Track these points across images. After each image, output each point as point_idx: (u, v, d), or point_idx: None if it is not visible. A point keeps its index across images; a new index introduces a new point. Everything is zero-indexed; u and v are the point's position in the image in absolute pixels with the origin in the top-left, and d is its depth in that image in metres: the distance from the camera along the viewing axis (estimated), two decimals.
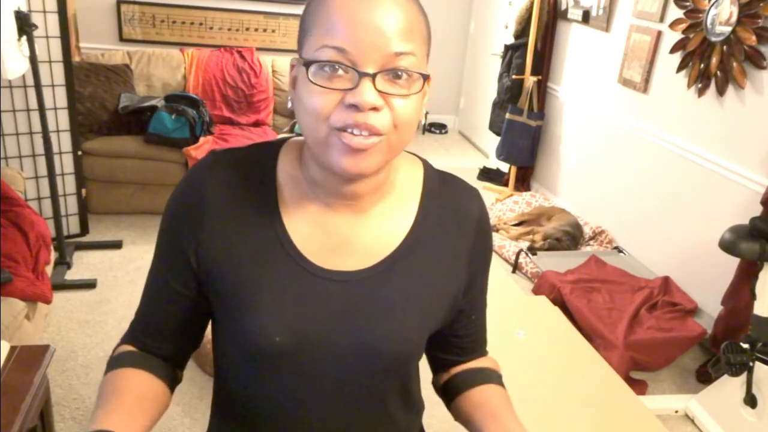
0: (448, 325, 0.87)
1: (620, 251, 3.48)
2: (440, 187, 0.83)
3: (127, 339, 0.85)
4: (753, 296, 2.18)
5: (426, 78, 0.69)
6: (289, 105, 0.73)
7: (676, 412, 2.46)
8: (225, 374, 0.85)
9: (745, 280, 2.41)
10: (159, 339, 0.83)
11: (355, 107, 0.64)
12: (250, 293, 0.74)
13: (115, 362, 0.80)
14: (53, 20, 2.97)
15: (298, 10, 4.54)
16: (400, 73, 0.66)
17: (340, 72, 0.65)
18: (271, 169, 0.77)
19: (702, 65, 2.91)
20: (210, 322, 0.86)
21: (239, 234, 0.75)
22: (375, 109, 0.65)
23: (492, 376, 0.91)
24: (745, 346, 2.10)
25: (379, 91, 0.65)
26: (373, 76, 0.65)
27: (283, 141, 0.81)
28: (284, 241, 0.75)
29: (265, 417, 0.82)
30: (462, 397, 0.89)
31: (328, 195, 0.75)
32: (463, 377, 0.91)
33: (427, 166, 0.85)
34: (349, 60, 0.64)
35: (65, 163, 3.23)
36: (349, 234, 0.77)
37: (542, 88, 4.35)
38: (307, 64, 0.66)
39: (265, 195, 0.76)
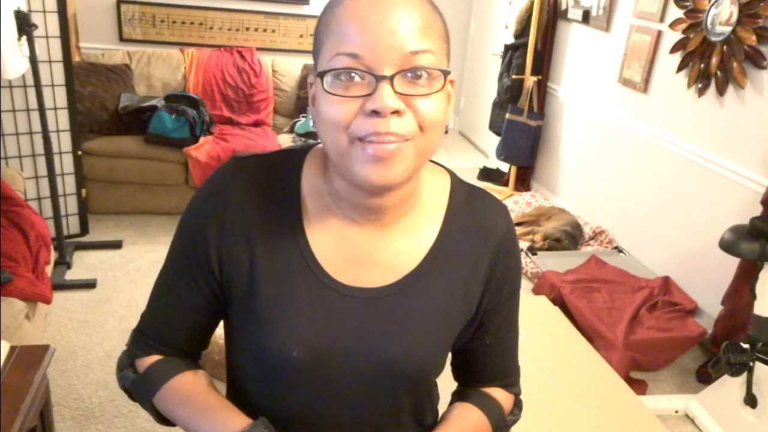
0: (467, 342, 0.84)
1: (620, 251, 3.48)
2: (466, 202, 0.80)
3: (144, 349, 0.82)
4: (753, 296, 2.17)
5: (446, 74, 0.65)
6: (311, 124, 0.71)
7: (676, 412, 2.46)
8: (239, 383, 0.84)
9: (745, 280, 2.41)
10: (178, 344, 0.82)
11: (376, 113, 0.61)
12: (269, 306, 0.73)
13: (162, 372, 0.78)
14: (53, 20, 2.96)
15: (298, 10, 4.54)
16: (419, 72, 0.63)
17: (357, 78, 0.62)
18: (296, 180, 0.75)
19: (702, 65, 2.91)
20: (224, 327, 0.86)
21: (261, 245, 0.74)
22: (397, 113, 0.62)
23: (488, 405, 0.85)
24: (745, 346, 2.10)
25: (399, 94, 0.62)
26: (391, 78, 0.62)
27: (308, 148, 0.78)
28: (306, 255, 0.74)
29: (282, 429, 0.81)
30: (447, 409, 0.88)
31: (352, 209, 0.73)
32: (462, 393, 0.89)
33: (455, 179, 0.82)
34: (365, 65, 0.62)
35: (65, 163, 3.23)
36: (372, 249, 0.75)
37: (542, 88, 4.35)
38: (322, 75, 0.64)
39: (288, 207, 0.74)
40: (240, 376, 0.83)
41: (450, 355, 0.90)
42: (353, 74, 0.62)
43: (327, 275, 0.74)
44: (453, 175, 0.82)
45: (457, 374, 0.92)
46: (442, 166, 0.83)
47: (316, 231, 0.74)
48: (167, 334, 0.81)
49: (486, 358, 0.87)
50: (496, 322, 0.85)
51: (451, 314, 0.79)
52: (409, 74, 0.63)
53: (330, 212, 0.74)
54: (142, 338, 0.83)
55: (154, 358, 0.81)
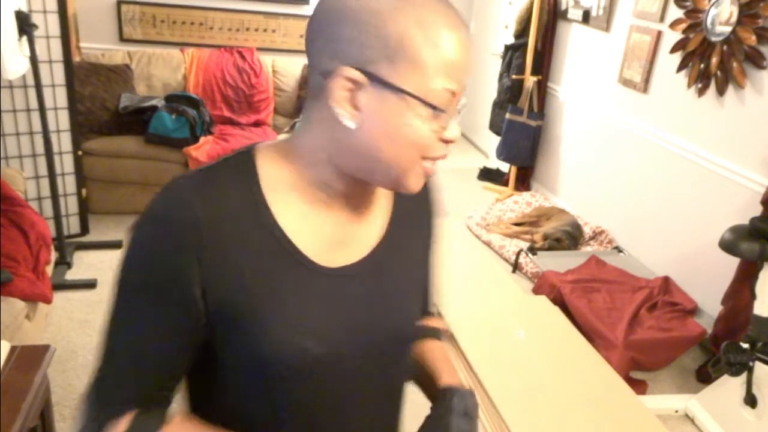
0: None
1: (620, 251, 3.48)
2: None
3: (114, 410, 0.71)
4: (753, 296, 2.18)
5: None
6: (353, 126, 0.64)
7: (676, 412, 2.46)
8: (230, 408, 0.78)
9: (745, 280, 2.41)
10: (152, 395, 0.73)
11: (449, 141, 0.71)
12: (270, 307, 0.71)
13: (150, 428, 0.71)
14: (53, 20, 2.97)
15: (298, 10, 4.54)
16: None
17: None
18: (254, 177, 0.73)
19: (702, 65, 2.91)
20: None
21: (241, 251, 0.71)
22: None
23: (432, 332, 0.95)
24: (745, 346, 2.10)
25: None
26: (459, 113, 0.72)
27: (248, 148, 0.77)
28: (288, 247, 0.73)
29: None
30: None
31: (333, 195, 0.75)
32: None
33: None
34: (456, 101, 0.70)
35: (65, 163, 3.23)
36: (344, 228, 0.77)
37: (542, 88, 4.35)
38: (428, 104, 0.67)
39: (254, 205, 0.72)
40: (231, 400, 0.78)
41: None
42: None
43: (312, 262, 0.74)
44: None
45: None
46: None
47: (291, 221, 0.74)
48: (141, 386, 0.73)
49: (425, 296, 0.95)
50: (433, 258, 0.94)
51: (421, 271, 0.88)
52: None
53: (297, 198, 0.74)
54: (109, 397, 0.72)
55: (128, 417, 0.71)
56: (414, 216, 0.86)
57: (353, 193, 0.76)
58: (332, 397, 0.78)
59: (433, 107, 0.66)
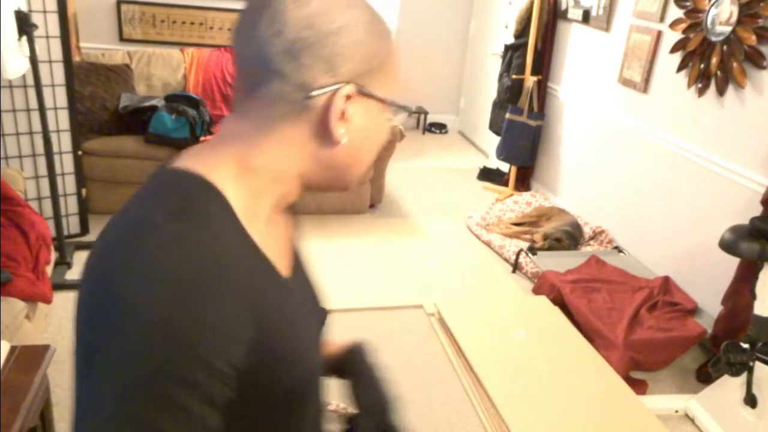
0: None
1: (620, 251, 3.48)
2: None
3: None
4: (753, 296, 2.18)
5: None
6: (344, 140, 0.60)
7: (676, 412, 2.46)
8: None
9: (745, 280, 2.41)
10: None
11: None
12: (285, 330, 0.68)
13: None
14: (53, 20, 2.97)
15: None
16: None
17: None
18: (227, 204, 0.65)
19: (702, 65, 2.91)
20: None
21: (251, 286, 0.64)
22: None
23: None
24: (745, 346, 2.10)
25: None
26: None
27: (189, 172, 0.66)
28: (272, 269, 0.70)
29: None
30: None
31: (283, 207, 0.75)
32: None
33: None
34: None
35: (65, 163, 3.23)
36: (285, 237, 0.78)
37: (542, 88, 4.35)
38: (401, 108, 0.71)
39: (239, 233, 0.66)
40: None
41: None
42: None
43: (285, 278, 0.72)
44: None
45: None
46: None
47: (261, 242, 0.69)
48: None
49: None
50: None
51: None
52: None
53: (259, 218, 0.70)
54: None
55: None
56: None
57: (295, 202, 0.78)
58: (313, 411, 0.78)
59: (409, 110, 0.72)
